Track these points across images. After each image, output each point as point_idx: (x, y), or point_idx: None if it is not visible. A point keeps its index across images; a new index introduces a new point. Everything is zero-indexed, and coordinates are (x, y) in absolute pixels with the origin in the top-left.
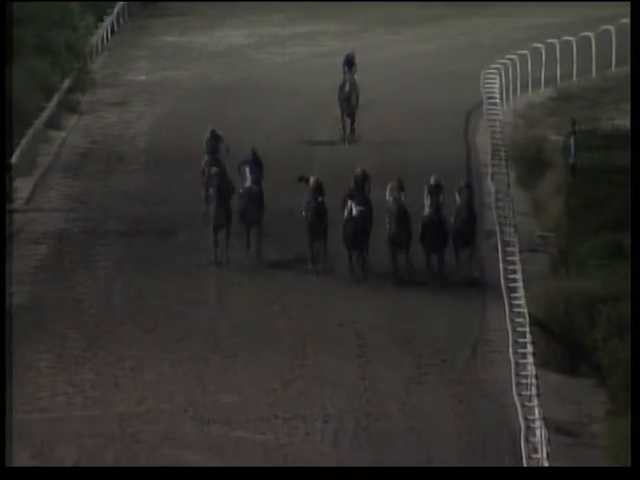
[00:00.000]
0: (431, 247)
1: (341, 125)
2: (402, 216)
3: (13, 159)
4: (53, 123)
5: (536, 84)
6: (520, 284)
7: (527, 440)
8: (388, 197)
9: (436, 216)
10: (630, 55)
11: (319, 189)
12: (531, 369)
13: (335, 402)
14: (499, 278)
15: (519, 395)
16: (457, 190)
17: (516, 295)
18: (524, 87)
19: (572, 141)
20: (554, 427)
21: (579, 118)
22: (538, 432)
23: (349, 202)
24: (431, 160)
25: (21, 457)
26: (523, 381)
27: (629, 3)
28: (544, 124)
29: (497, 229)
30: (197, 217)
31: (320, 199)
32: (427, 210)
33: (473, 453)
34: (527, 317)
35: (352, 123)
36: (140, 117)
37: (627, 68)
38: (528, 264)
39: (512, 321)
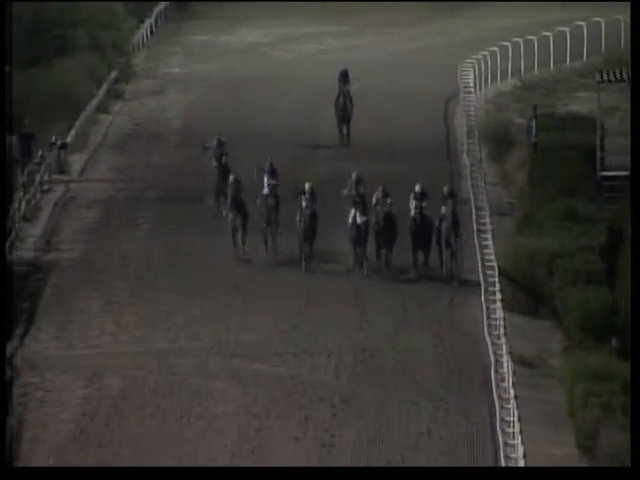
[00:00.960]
0: (416, 244)
1: (338, 132)
2: (388, 220)
3: (69, 138)
4: (102, 108)
5: (504, 76)
6: (490, 242)
7: (497, 371)
8: (374, 203)
9: (420, 218)
10: (630, 55)
11: (313, 195)
12: (499, 312)
13: (336, 340)
14: (473, 237)
15: (490, 334)
16: (442, 198)
17: (487, 251)
18: (494, 78)
19: (534, 123)
20: (519, 360)
21: (539, 104)
22: (505, 365)
23: (353, 210)
24: (416, 138)
25: (75, 385)
26: (493, 322)
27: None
28: (510, 109)
29: (471, 196)
30: None
31: (314, 205)
32: (412, 212)
33: (451, 380)
34: (496, 269)
35: (347, 129)
36: (174, 103)
37: (579, 63)
38: (497, 225)
39: (484, 273)
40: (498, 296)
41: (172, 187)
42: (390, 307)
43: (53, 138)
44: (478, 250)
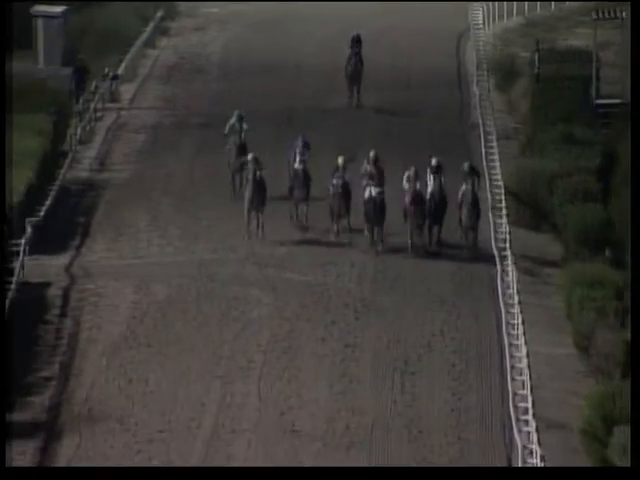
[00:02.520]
0: (434, 220)
1: (348, 94)
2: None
3: (120, 71)
4: (149, 44)
5: (510, 14)
6: (497, 163)
7: (502, 280)
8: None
9: (439, 193)
10: (630, 55)
11: (345, 168)
12: (505, 227)
13: (359, 253)
14: (481, 157)
15: (496, 246)
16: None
17: (494, 172)
18: (501, 16)
19: (536, 57)
20: (522, 270)
21: (542, 39)
22: (510, 273)
23: (368, 185)
24: (430, 70)
25: (125, 291)
26: (500, 236)
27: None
28: (516, 44)
29: (480, 122)
30: (256, 114)
31: (346, 177)
32: (430, 188)
33: (462, 288)
34: (503, 188)
35: (358, 91)
36: (214, 40)
37: (577, 3)
38: (503, 148)
39: (491, 191)
40: (504, 212)
41: (212, 114)
42: (405, 227)
43: (106, 70)
44: (486, 171)
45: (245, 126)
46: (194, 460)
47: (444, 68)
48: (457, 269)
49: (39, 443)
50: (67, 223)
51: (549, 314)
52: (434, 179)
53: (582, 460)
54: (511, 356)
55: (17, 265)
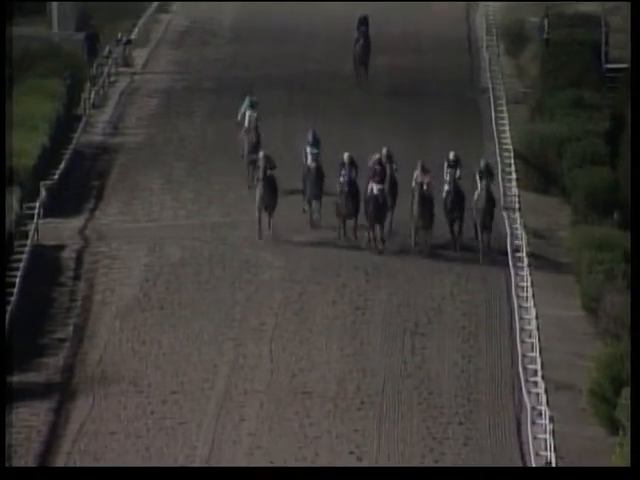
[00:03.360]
0: (452, 217)
1: (355, 73)
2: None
3: (133, 35)
4: (162, 9)
5: None
6: (507, 127)
7: (512, 242)
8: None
9: (454, 190)
10: (630, 54)
11: (352, 164)
12: (515, 190)
13: None
14: (491, 121)
15: (506, 208)
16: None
17: (504, 135)
18: None
19: (546, 22)
20: (532, 232)
21: (551, 5)
22: (520, 236)
23: (370, 182)
24: (442, 34)
25: (139, 254)
26: (509, 199)
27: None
28: (525, 9)
29: (490, 87)
30: (268, 78)
31: (354, 174)
32: (447, 186)
33: (472, 249)
34: (512, 152)
35: (365, 72)
36: (226, 5)
37: None
38: (513, 112)
39: (501, 155)
40: (514, 176)
41: (224, 79)
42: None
43: (119, 35)
44: (495, 135)
45: (255, 114)
46: (207, 420)
47: (454, 34)
48: (466, 234)
49: (53, 404)
50: (81, 186)
51: (558, 277)
52: (450, 174)
53: (590, 420)
54: (520, 318)
55: (31, 228)
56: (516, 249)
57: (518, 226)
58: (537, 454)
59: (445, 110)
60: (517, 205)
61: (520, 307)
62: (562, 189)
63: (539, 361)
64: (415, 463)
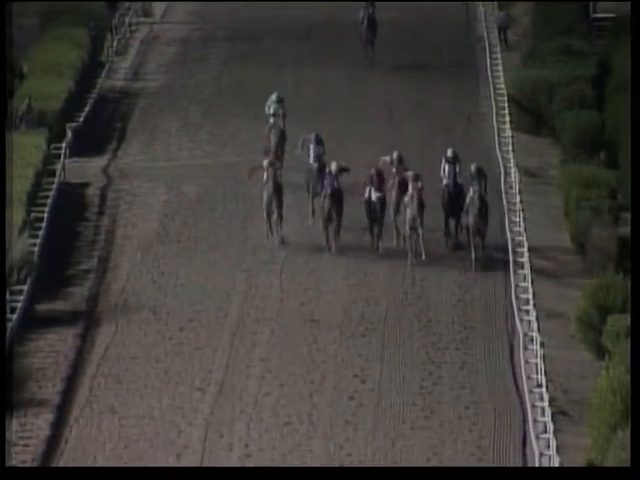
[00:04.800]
0: (449, 213)
1: (364, 52)
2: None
3: None
4: None
5: None
6: (501, 73)
7: (505, 181)
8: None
9: (453, 186)
10: (630, 55)
11: (342, 171)
12: (508, 131)
13: None
14: (486, 67)
15: (500, 149)
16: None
17: (498, 80)
18: None
19: None
20: (524, 171)
21: None
22: (513, 174)
23: (368, 187)
24: (442, 9)
25: (158, 191)
26: (503, 140)
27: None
28: None
29: (485, 35)
30: (278, 28)
31: (337, 183)
32: (445, 181)
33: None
34: (506, 96)
35: (372, 51)
36: None
37: None
38: (506, 59)
39: (495, 99)
40: (507, 118)
41: (237, 29)
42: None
43: None
44: (490, 80)
45: (282, 110)
46: (221, 346)
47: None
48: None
49: (79, 330)
50: (104, 128)
51: (548, 212)
52: (449, 170)
53: (578, 346)
54: (513, 252)
55: (58, 167)
56: (510, 186)
57: (511, 165)
58: (529, 377)
59: (444, 58)
60: (510, 146)
61: (513, 240)
62: (552, 130)
63: (531, 291)
64: (415, 386)
